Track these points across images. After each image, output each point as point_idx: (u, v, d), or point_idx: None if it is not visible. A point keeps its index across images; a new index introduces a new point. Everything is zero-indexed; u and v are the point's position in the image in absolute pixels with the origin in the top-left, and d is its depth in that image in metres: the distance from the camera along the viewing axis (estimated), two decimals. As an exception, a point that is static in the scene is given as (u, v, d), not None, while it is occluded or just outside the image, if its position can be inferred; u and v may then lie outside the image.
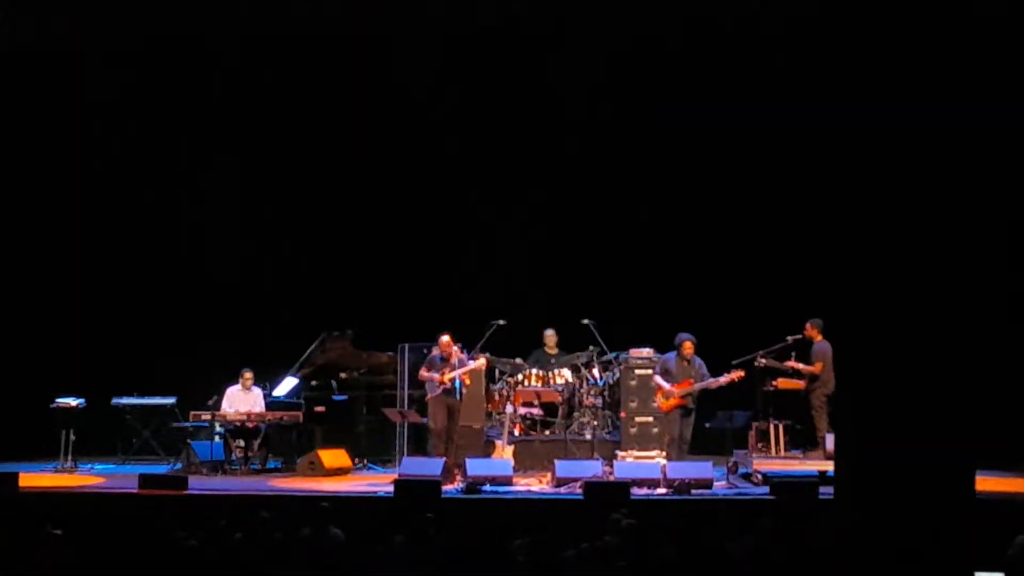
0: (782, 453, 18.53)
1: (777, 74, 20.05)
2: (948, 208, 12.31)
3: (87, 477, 18.13)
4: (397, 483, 15.76)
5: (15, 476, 16.05)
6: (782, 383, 18.83)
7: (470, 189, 21.25)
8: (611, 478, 16.71)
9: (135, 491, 15.87)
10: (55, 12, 19.54)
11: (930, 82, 12.26)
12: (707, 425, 17.91)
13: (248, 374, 19.18)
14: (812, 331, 18.27)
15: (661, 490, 16.14)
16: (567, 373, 19.80)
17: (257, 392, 19.25)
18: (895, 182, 12.30)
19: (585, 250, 21.10)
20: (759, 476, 17.23)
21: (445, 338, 17.87)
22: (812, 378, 18.20)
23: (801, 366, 18.32)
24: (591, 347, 19.79)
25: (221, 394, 19.05)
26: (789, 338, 18.61)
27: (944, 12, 12.43)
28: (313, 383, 19.87)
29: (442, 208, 21.35)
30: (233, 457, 18.68)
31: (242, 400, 19.06)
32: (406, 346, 19.36)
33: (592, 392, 19.46)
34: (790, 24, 18.71)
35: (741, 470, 17.87)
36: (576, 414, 19.43)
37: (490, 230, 21.33)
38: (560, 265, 21.01)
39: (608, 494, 15.31)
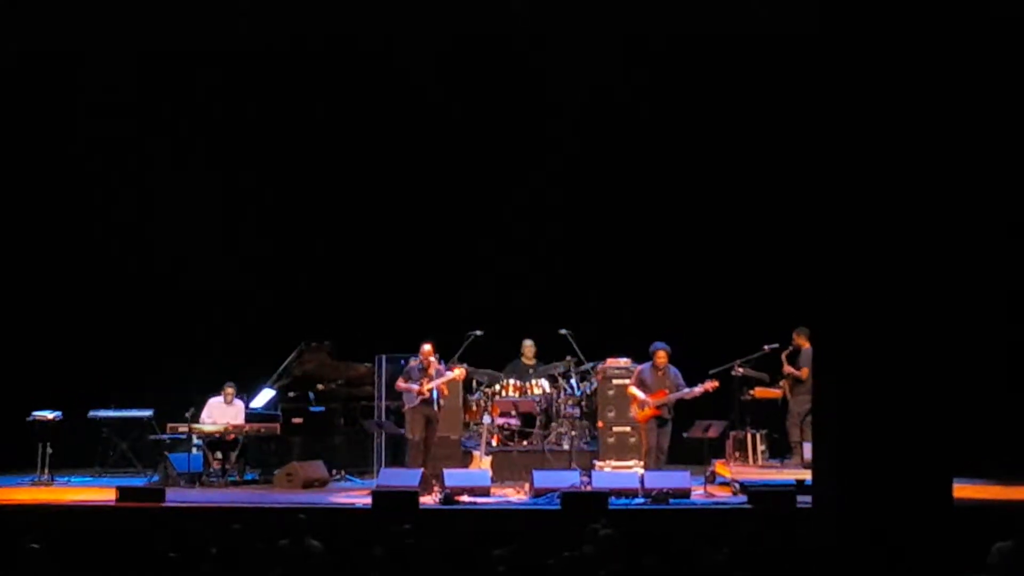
0: (759, 462, 18.59)
1: (758, 80, 20.14)
2: (928, 220, 12.32)
3: (64, 490, 18.08)
4: (375, 494, 15.76)
5: (-8, 490, 16.04)
6: (759, 392, 18.92)
7: (446, 201, 21.22)
8: (589, 488, 16.72)
9: (113, 504, 15.84)
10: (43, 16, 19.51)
11: (925, 88, 12.30)
12: (684, 435, 17.91)
13: (230, 388, 19.17)
14: (800, 339, 18.32)
15: (639, 500, 16.15)
16: (544, 383, 19.80)
17: (239, 405, 19.23)
18: (874, 193, 12.32)
19: (562, 260, 21.08)
20: (737, 485, 17.25)
21: (427, 347, 17.85)
22: (796, 383, 18.26)
23: (791, 369, 18.42)
24: (568, 357, 19.80)
25: (202, 404, 19.01)
26: (766, 347, 18.69)
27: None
28: (290, 395, 19.85)
29: (418, 220, 21.33)
30: (211, 469, 18.67)
31: (223, 413, 19.05)
32: (383, 357, 19.35)
33: (569, 402, 19.48)
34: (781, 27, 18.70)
35: (719, 479, 17.90)
36: (554, 424, 19.42)
37: (466, 241, 21.30)
38: (537, 275, 20.98)
39: (586, 504, 15.33)
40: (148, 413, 19.81)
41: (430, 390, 17.68)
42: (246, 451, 19.00)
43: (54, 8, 19.36)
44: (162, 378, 20.13)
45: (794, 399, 18.44)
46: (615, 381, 18.84)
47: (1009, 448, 18.17)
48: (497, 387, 19.78)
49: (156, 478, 18.57)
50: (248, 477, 18.98)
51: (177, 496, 16.61)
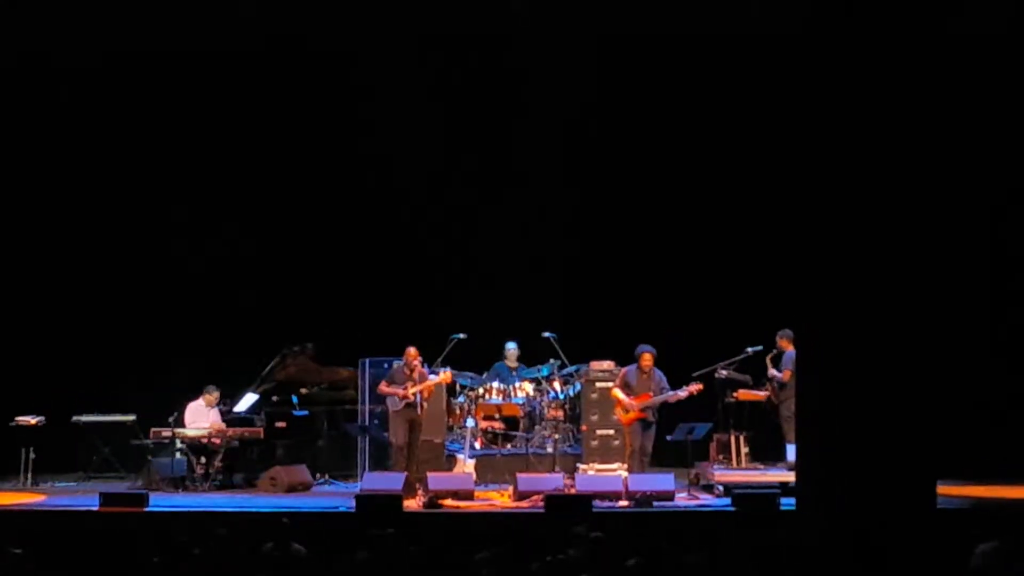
0: (743, 464, 18.60)
1: (739, 85, 20.15)
2: (911, 223, 12.37)
3: (48, 495, 18.05)
4: (359, 498, 15.74)
5: (-25, 495, 16.01)
6: (742, 395, 18.90)
7: (430, 204, 21.20)
8: (573, 491, 16.73)
9: (96, 509, 15.79)
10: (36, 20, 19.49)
11: (903, 97, 12.37)
12: (668, 438, 17.92)
13: (216, 392, 19.17)
14: (783, 342, 18.31)
15: (623, 503, 16.15)
16: (528, 387, 19.79)
17: (216, 409, 19.23)
18: (857, 195, 12.36)
19: (546, 262, 21.03)
20: (720, 488, 17.27)
21: (412, 349, 17.86)
22: (781, 387, 18.25)
23: (775, 372, 18.40)
24: (552, 360, 19.81)
25: (182, 410, 18.97)
26: (749, 349, 18.68)
27: (921, 28, 12.54)
28: (274, 399, 19.82)
29: (401, 223, 21.31)
30: (194, 474, 18.62)
31: (206, 416, 19.03)
32: (367, 361, 19.34)
33: (553, 405, 19.48)
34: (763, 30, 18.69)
35: (702, 482, 17.92)
36: (537, 427, 19.43)
37: (450, 244, 21.29)
38: (521, 278, 20.93)
39: (570, 507, 15.34)
40: (131, 418, 19.75)
41: (414, 394, 17.68)
42: (229, 455, 18.96)
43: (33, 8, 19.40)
44: (145, 383, 20.06)
45: (782, 403, 18.41)
46: (599, 384, 18.84)
47: (992, 447, 18.23)
48: (480, 390, 19.79)
49: (139, 483, 18.56)
50: (232, 481, 18.95)
51: (160, 501, 16.59)
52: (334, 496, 17.65)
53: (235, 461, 19.14)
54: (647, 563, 10.74)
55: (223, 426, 18.99)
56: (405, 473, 17.20)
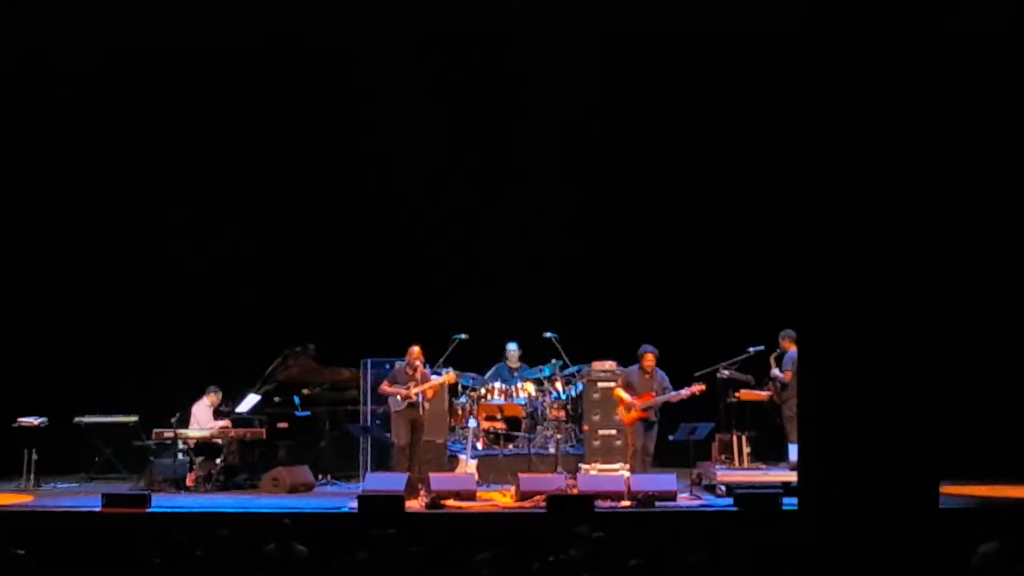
0: (745, 464, 18.59)
1: (740, 85, 20.14)
2: (912, 224, 12.38)
3: (50, 496, 18.05)
4: (361, 499, 15.74)
5: (-23, 496, 16.01)
6: (744, 394, 18.89)
7: (430, 204, 21.20)
8: (575, 491, 16.72)
9: (98, 510, 15.79)
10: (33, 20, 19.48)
11: (903, 98, 12.39)
12: (670, 438, 17.91)
13: (220, 393, 19.21)
14: (785, 342, 18.30)
15: (625, 503, 16.14)
16: (530, 387, 19.79)
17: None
18: (859, 195, 12.37)
19: (548, 263, 21.03)
20: (723, 488, 17.27)
21: (415, 348, 17.80)
22: (783, 387, 18.24)
23: (777, 372, 18.39)
24: (554, 360, 19.81)
25: (187, 411, 18.97)
26: (751, 349, 18.67)
27: (921, 28, 12.57)
28: (276, 399, 19.80)
29: (402, 223, 21.30)
30: (197, 474, 18.61)
31: (211, 417, 19.05)
32: (368, 361, 19.34)
33: (555, 406, 19.48)
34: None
35: (705, 482, 17.92)
36: (539, 428, 19.42)
37: (451, 245, 21.28)
38: (522, 278, 20.92)
39: (572, 507, 15.33)
40: (133, 418, 19.75)
41: (417, 394, 17.65)
42: (231, 456, 18.96)
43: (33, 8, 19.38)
44: (146, 384, 20.05)
45: (784, 403, 18.41)
46: (600, 384, 18.84)
47: (993, 447, 18.24)
48: (482, 391, 19.78)
49: (141, 483, 18.57)
50: (234, 482, 18.94)
51: (162, 502, 16.59)
52: (336, 497, 17.65)
53: (237, 462, 19.15)
54: (649, 563, 10.75)
55: (229, 425, 19.02)
56: (407, 474, 17.17)
